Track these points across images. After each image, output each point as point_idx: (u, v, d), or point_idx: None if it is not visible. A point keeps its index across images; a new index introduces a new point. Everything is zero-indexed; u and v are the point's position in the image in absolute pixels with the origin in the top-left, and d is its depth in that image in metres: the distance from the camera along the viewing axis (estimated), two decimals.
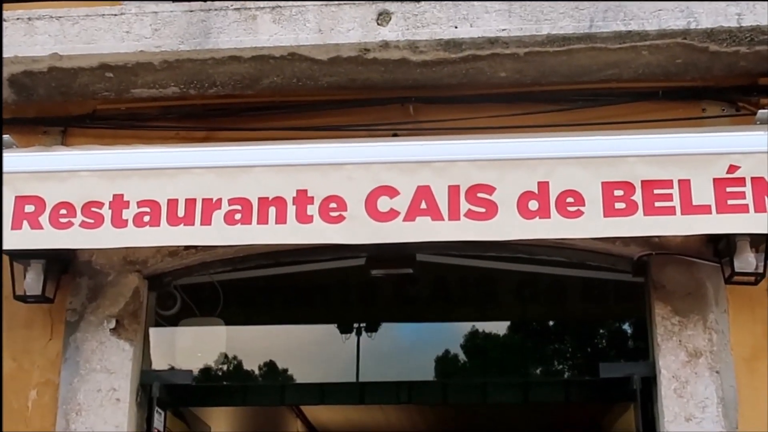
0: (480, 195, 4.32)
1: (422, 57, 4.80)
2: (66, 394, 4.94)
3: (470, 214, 4.29)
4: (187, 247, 5.01)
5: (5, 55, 4.90)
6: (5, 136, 4.84)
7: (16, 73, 5.01)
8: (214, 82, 5.04)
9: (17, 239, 4.51)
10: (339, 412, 11.04)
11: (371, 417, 11.02)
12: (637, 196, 4.27)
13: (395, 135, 4.99)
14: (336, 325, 6.14)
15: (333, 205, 4.36)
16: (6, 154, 4.75)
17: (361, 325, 6.18)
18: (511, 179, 4.33)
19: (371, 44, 4.75)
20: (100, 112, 5.27)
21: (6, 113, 5.26)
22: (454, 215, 4.30)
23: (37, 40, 4.92)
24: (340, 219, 4.35)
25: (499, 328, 6.16)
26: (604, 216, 4.26)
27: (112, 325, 5.02)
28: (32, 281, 4.90)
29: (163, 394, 5.11)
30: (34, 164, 4.68)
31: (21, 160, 4.72)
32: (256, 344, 6.16)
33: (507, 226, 4.29)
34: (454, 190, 4.34)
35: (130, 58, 4.89)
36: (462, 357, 6.25)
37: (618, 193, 4.28)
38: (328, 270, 5.38)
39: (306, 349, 6.23)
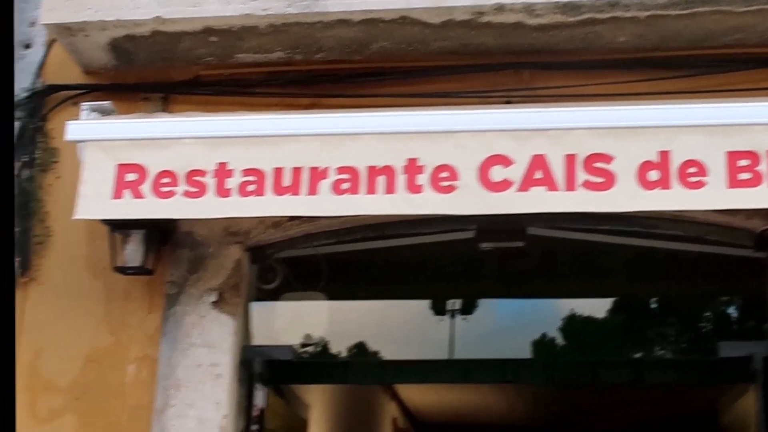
0: (597, 165, 4.36)
1: (538, 21, 4.85)
2: (165, 370, 5.07)
3: (587, 185, 4.34)
4: (290, 218, 5.10)
5: (107, 18, 5.05)
6: (106, 103, 5.04)
7: (117, 37, 5.16)
8: (321, 46, 5.13)
9: (118, 209, 4.66)
10: (433, 394, 11.17)
11: (466, 398, 11.14)
12: (763, 167, 4.27)
13: (508, 102, 5.01)
14: (441, 300, 6.20)
15: (444, 174, 4.43)
16: (107, 121, 4.92)
17: (466, 301, 6.25)
18: (631, 148, 4.36)
19: (485, 7, 4.80)
20: (202, 77, 5.39)
21: (106, 79, 5.46)
22: (570, 186, 4.35)
23: (139, 3, 5.04)
24: (450, 189, 4.42)
25: (610, 304, 6.16)
26: (728, 187, 4.27)
27: (213, 298, 5.13)
28: (132, 252, 5.05)
29: (264, 370, 5.23)
30: (136, 131, 4.82)
31: (122, 127, 4.86)
32: (359, 320, 6.24)
33: (626, 198, 4.32)
34: (570, 160, 4.38)
35: (235, 22, 4.99)
36: (570, 334, 6.28)
37: (743, 163, 4.30)
38: (435, 243, 5.41)
39: (409, 326, 6.28)
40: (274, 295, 5.59)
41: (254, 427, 5.21)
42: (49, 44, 5.60)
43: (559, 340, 6.27)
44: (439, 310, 6.31)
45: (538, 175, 4.40)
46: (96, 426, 5.05)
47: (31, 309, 5.26)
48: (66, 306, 5.24)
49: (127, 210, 4.68)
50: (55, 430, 5.07)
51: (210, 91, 5.38)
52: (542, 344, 6.27)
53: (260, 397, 5.25)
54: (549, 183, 4.39)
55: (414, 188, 4.46)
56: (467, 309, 6.34)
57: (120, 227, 5.04)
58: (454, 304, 6.30)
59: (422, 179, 4.46)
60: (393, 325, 6.29)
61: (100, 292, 5.25)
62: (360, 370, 5.95)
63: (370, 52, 5.17)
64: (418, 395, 11.41)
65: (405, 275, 5.98)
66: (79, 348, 5.18)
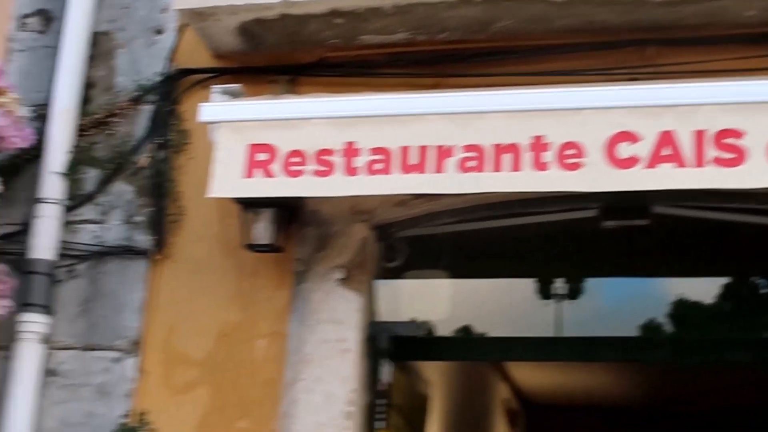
0: (728, 140, 4.23)
1: None
2: (294, 345, 5.06)
3: (717, 161, 4.22)
4: (415, 197, 5.05)
5: (237, 2, 5.06)
6: (236, 85, 5.05)
7: (246, 21, 5.18)
8: (445, 26, 5.08)
9: (250, 187, 4.68)
10: (543, 375, 11.11)
11: (577, 379, 11.04)
12: None
13: (633, 80, 4.87)
14: (561, 279, 6.14)
15: (570, 151, 4.35)
16: (237, 103, 4.94)
17: (588, 280, 6.17)
18: (762, 123, 4.22)
19: None
20: (327, 59, 5.38)
21: (234, 62, 5.48)
22: (699, 162, 4.23)
23: None
24: (577, 166, 4.34)
25: (732, 284, 6.03)
26: None
27: (340, 275, 5.12)
28: (262, 230, 5.04)
29: (389, 345, 5.22)
30: (266, 112, 4.83)
31: (252, 108, 4.88)
32: (480, 298, 6.21)
33: (757, 174, 4.18)
34: (699, 136, 4.27)
35: (360, 4, 4.96)
36: (691, 314, 6.15)
37: None
38: (557, 222, 5.33)
39: (529, 304, 6.25)
40: (396, 273, 5.55)
41: (381, 401, 5.20)
42: (180, 29, 5.65)
43: (679, 319, 6.15)
44: (559, 288, 6.24)
45: (666, 151, 4.30)
46: (228, 398, 5.08)
47: (166, 286, 5.32)
48: (198, 282, 5.28)
49: (258, 188, 4.70)
50: (190, 402, 5.12)
51: (335, 72, 5.36)
52: (661, 324, 6.15)
53: (386, 372, 5.25)
54: (677, 160, 4.28)
55: (540, 166, 4.39)
56: (589, 288, 6.26)
57: (251, 206, 5.04)
58: (575, 282, 6.22)
59: (548, 156, 4.39)
60: (514, 304, 6.24)
61: (230, 269, 5.27)
62: (483, 347, 5.93)
63: (494, 31, 5.10)
64: (528, 376, 11.37)
65: (527, 253, 5.90)
66: (211, 323, 5.21)
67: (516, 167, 4.41)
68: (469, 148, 4.47)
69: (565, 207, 5.18)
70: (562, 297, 6.25)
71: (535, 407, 12.46)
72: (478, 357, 6.71)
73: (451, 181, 4.48)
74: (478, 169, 4.44)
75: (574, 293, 6.26)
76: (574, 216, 5.23)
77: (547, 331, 6.20)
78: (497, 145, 4.45)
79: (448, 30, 5.12)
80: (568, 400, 12.13)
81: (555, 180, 4.37)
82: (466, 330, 6.21)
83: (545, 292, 6.28)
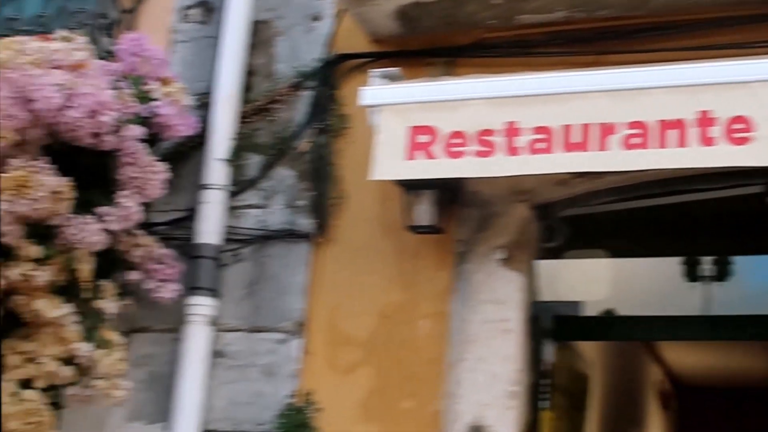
0: None
1: None
2: (456, 325, 5.03)
3: None
4: (576, 176, 4.95)
5: None
6: (394, 69, 5.03)
7: (404, 4, 5.15)
8: (603, 3, 4.96)
9: (412, 169, 4.67)
10: (696, 355, 10.89)
11: (727, 361, 10.79)
12: None
13: None
14: (724, 257, 6.00)
15: (738, 126, 4.20)
16: (397, 86, 4.93)
17: (749, 257, 6.02)
18: None
19: None
20: (484, 41, 5.31)
21: (391, 46, 5.47)
22: None
23: None
24: (745, 140, 4.18)
25: None
26: None
27: (501, 256, 5.06)
28: (423, 212, 5.01)
29: (551, 325, 5.18)
30: (426, 95, 4.79)
31: (412, 91, 4.85)
32: (641, 277, 6.12)
33: None
34: None
35: None
36: None
37: None
38: (718, 199, 5.21)
39: (681, 283, 6.14)
40: (555, 253, 5.48)
41: (544, 381, 5.15)
42: (338, 15, 5.66)
43: None
44: (711, 268, 6.10)
45: None
46: (392, 378, 5.08)
47: (328, 268, 5.35)
48: (360, 264, 5.29)
49: (420, 170, 4.68)
50: (354, 382, 5.14)
51: (492, 53, 5.29)
52: None
53: (549, 352, 5.19)
54: None
55: (707, 141, 4.25)
56: (746, 266, 6.11)
57: (412, 188, 5.02)
58: (729, 262, 6.08)
59: (715, 131, 4.24)
60: (675, 282, 6.12)
61: (391, 251, 5.26)
62: (645, 327, 5.83)
63: (654, 6, 4.96)
64: (680, 358, 11.16)
65: (688, 232, 5.76)
66: (373, 304, 5.22)
67: (682, 143, 4.28)
68: (633, 124, 4.36)
69: (730, 183, 5.03)
70: (715, 276, 6.12)
71: (687, 389, 12.23)
72: (640, 337, 6.64)
73: (615, 159, 4.38)
74: (643, 145, 4.33)
75: (726, 272, 6.12)
76: (738, 192, 5.09)
77: (707, 310, 6.08)
78: (662, 121, 4.33)
79: (607, 7, 5.00)
80: (722, 383, 11.87)
81: (723, 155, 4.23)
82: (616, 311, 6.12)
83: (698, 272, 6.14)
